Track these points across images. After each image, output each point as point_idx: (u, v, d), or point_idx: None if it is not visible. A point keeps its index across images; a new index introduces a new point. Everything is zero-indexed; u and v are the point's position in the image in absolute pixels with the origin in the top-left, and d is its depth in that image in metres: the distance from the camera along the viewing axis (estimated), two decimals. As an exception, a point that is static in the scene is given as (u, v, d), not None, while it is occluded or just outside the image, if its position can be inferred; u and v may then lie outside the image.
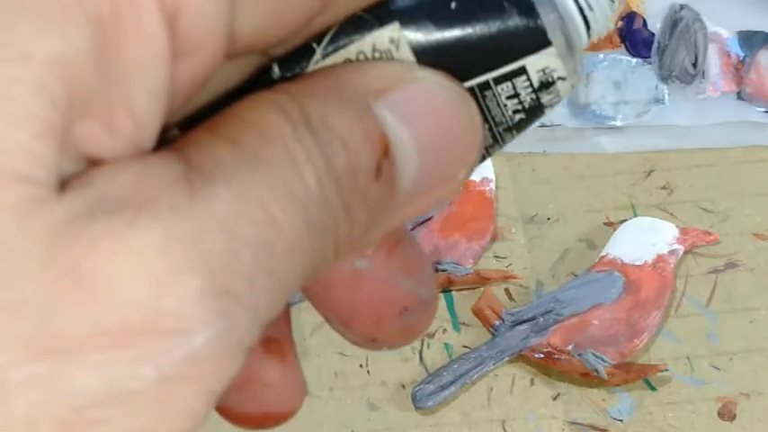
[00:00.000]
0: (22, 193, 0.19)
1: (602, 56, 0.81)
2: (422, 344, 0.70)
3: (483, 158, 0.26)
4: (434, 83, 0.24)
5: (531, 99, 0.25)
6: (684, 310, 0.71)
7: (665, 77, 0.80)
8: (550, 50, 0.25)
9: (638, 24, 0.82)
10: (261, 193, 0.21)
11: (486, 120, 0.25)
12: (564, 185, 0.77)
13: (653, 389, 0.68)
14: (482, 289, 0.71)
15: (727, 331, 0.70)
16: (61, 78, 0.20)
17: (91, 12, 0.20)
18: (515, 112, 0.26)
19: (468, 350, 0.69)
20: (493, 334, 0.70)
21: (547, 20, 0.25)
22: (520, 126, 0.26)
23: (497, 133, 0.26)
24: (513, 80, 0.25)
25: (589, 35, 0.26)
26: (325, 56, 0.25)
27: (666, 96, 0.80)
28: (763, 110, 0.80)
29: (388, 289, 0.27)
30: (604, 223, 0.75)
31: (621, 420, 0.67)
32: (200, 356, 0.20)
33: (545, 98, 0.25)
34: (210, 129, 0.22)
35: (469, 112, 0.25)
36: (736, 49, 0.81)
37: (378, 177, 0.23)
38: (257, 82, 0.25)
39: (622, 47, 0.82)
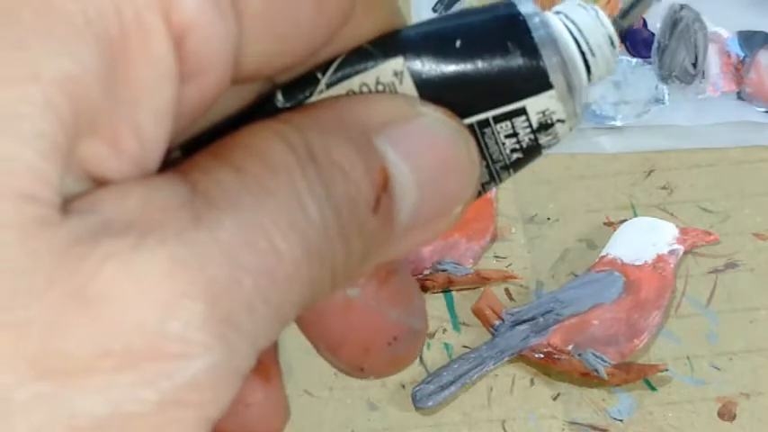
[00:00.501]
0: (25, 212, 0.19)
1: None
2: (422, 344, 0.70)
3: (479, 195, 0.26)
4: (435, 119, 0.25)
5: (530, 139, 0.26)
6: (684, 310, 0.71)
7: (665, 77, 0.80)
8: (551, 93, 0.25)
9: (638, 24, 0.82)
10: (264, 222, 0.21)
11: (483, 157, 0.26)
12: (564, 185, 0.77)
13: (653, 389, 0.68)
14: (482, 289, 0.72)
15: (727, 331, 0.70)
16: (68, 96, 0.20)
17: (100, 32, 0.20)
18: (513, 150, 0.26)
19: (468, 350, 0.69)
20: (493, 334, 0.70)
21: (549, 63, 0.25)
22: (516, 165, 0.26)
23: (494, 170, 0.26)
24: (513, 120, 0.25)
25: (590, 79, 0.26)
26: (329, 86, 0.25)
27: (666, 96, 0.80)
28: (763, 110, 0.80)
29: (377, 319, 0.27)
30: (604, 223, 0.75)
31: (621, 420, 0.67)
32: (199, 382, 0.20)
33: (543, 139, 0.26)
34: (216, 154, 0.23)
35: (468, 150, 0.25)
36: (736, 49, 0.81)
37: (376, 210, 0.23)
38: (260, 108, 0.25)
39: (622, 47, 0.82)
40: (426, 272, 0.72)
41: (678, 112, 0.80)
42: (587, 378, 0.68)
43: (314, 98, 0.25)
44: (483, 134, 0.25)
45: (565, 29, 0.26)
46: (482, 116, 0.25)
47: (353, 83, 0.25)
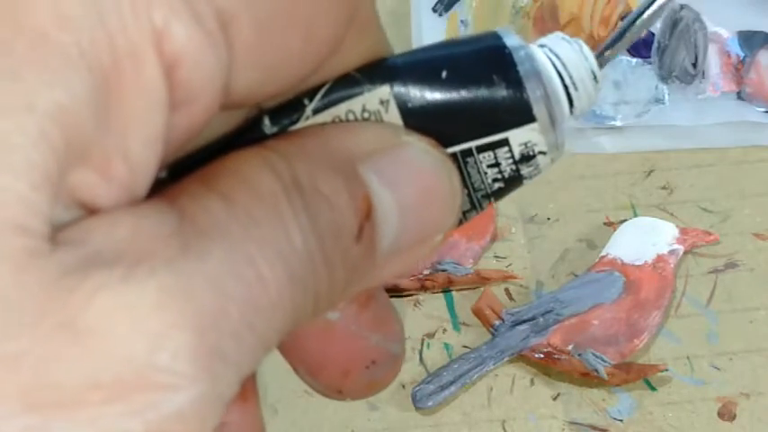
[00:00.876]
0: (16, 243, 0.19)
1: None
2: (422, 344, 0.70)
3: (460, 223, 0.27)
4: (420, 149, 0.25)
5: (511, 170, 0.26)
6: (684, 310, 0.71)
7: (665, 77, 0.80)
8: (534, 126, 0.25)
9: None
10: (250, 251, 0.22)
11: (465, 185, 0.26)
12: (564, 185, 0.77)
13: (653, 389, 0.68)
14: (482, 289, 0.72)
15: (727, 331, 0.70)
16: (61, 127, 0.20)
17: (93, 62, 0.20)
18: (495, 180, 0.26)
19: (468, 350, 0.69)
20: (493, 334, 0.70)
21: (533, 96, 0.25)
22: (498, 194, 0.27)
23: (475, 199, 0.27)
24: (496, 150, 0.26)
25: (572, 112, 0.27)
26: (315, 112, 0.25)
27: (666, 96, 0.80)
28: (763, 110, 0.80)
29: (357, 342, 0.28)
30: (604, 223, 0.75)
31: (621, 420, 0.67)
32: (184, 413, 0.20)
33: (525, 170, 0.26)
34: (204, 181, 0.23)
35: (451, 180, 0.25)
36: (736, 49, 0.81)
37: (359, 239, 0.24)
38: (247, 132, 0.26)
39: (622, 47, 0.82)
40: (426, 272, 0.72)
41: (678, 112, 0.80)
42: (587, 378, 0.68)
43: (300, 124, 0.26)
44: (466, 163, 0.26)
45: (549, 62, 0.26)
46: (465, 146, 0.26)
47: (340, 110, 0.25)
